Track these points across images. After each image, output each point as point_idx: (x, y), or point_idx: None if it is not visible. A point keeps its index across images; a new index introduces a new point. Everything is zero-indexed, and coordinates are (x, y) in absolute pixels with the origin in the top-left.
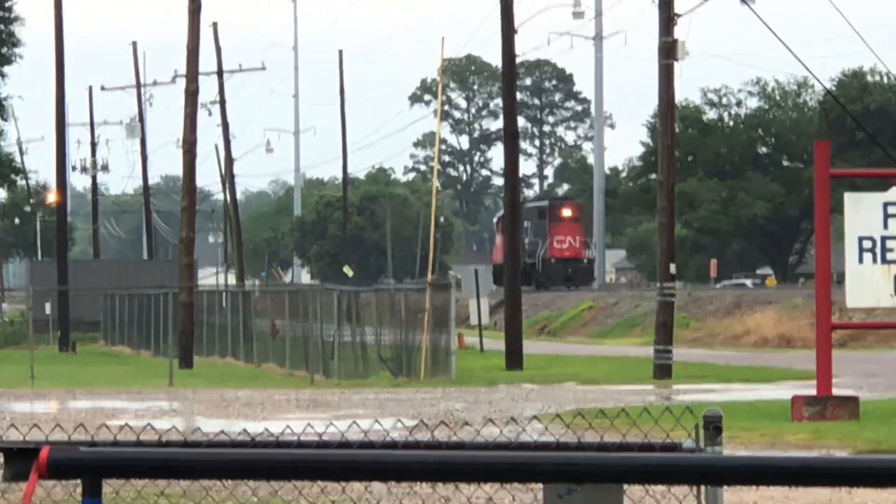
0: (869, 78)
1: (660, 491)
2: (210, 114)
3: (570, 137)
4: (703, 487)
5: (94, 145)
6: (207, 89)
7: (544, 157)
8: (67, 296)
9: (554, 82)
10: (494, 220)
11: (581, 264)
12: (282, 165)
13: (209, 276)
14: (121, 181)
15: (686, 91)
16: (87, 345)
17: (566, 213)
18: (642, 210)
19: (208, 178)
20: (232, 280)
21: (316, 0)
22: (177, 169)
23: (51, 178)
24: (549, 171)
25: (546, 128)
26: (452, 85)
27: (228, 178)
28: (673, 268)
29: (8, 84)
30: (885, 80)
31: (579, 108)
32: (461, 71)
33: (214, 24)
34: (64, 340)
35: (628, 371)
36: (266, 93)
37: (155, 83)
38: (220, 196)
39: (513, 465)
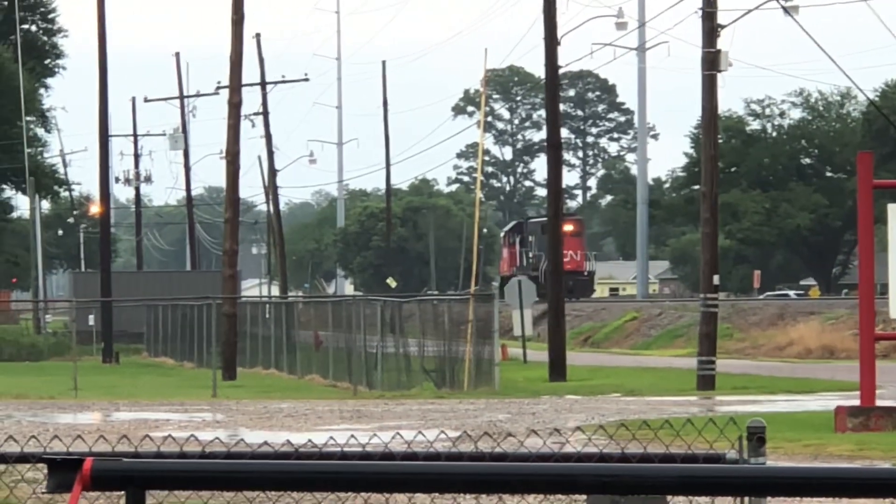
0: None
1: (703, 502)
2: (253, 125)
3: (613, 148)
4: (746, 499)
5: (137, 156)
6: (251, 100)
7: (587, 168)
8: (111, 307)
9: (597, 93)
10: (501, 234)
11: (581, 276)
12: (325, 176)
13: (252, 288)
14: (164, 192)
15: (729, 102)
16: (130, 356)
17: (567, 228)
18: (685, 221)
19: (251, 189)
20: (275, 291)
21: (359, 11)
22: (220, 180)
23: (94, 189)
24: (592, 182)
25: (589, 139)
26: (496, 96)
27: (272, 190)
28: (716, 279)
29: (51, 96)
30: None
31: (622, 118)
32: (504, 82)
33: (257, 36)
34: (107, 352)
35: (672, 382)
36: (309, 104)
37: (198, 94)
38: (264, 207)
39: (556, 476)
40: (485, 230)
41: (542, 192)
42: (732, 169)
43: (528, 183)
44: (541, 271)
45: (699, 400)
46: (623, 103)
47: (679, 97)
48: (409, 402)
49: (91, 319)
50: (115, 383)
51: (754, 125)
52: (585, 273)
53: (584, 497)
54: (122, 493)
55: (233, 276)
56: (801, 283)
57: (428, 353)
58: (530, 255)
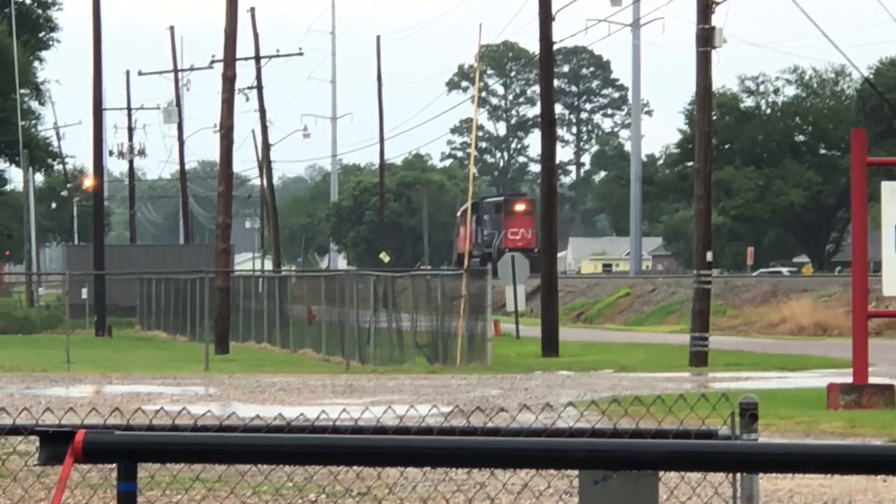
0: None
1: (695, 478)
2: (247, 99)
3: (607, 125)
4: (738, 475)
5: (130, 130)
6: (245, 75)
7: (581, 144)
8: (104, 280)
9: (591, 69)
10: (458, 213)
11: (532, 254)
12: (319, 151)
13: (246, 262)
14: (157, 166)
15: (723, 79)
16: (123, 329)
17: (519, 207)
18: (679, 197)
19: (245, 163)
20: (268, 265)
21: None
22: (214, 154)
23: (88, 162)
24: (585, 159)
25: (583, 115)
26: (490, 71)
27: (265, 164)
28: (710, 255)
29: (45, 69)
30: None
31: (616, 95)
32: (499, 57)
33: (252, 10)
34: (100, 325)
35: (664, 358)
36: (303, 78)
37: (192, 68)
38: (257, 181)
39: (548, 451)
40: None
41: (535, 167)
42: (726, 146)
43: (521, 158)
44: (494, 248)
45: (692, 376)
46: (617, 79)
47: (673, 74)
48: (401, 376)
49: (84, 293)
50: (107, 357)
51: (748, 102)
52: (536, 250)
53: (576, 472)
54: (114, 465)
55: (226, 250)
56: (795, 260)
57: (421, 328)
58: (485, 232)
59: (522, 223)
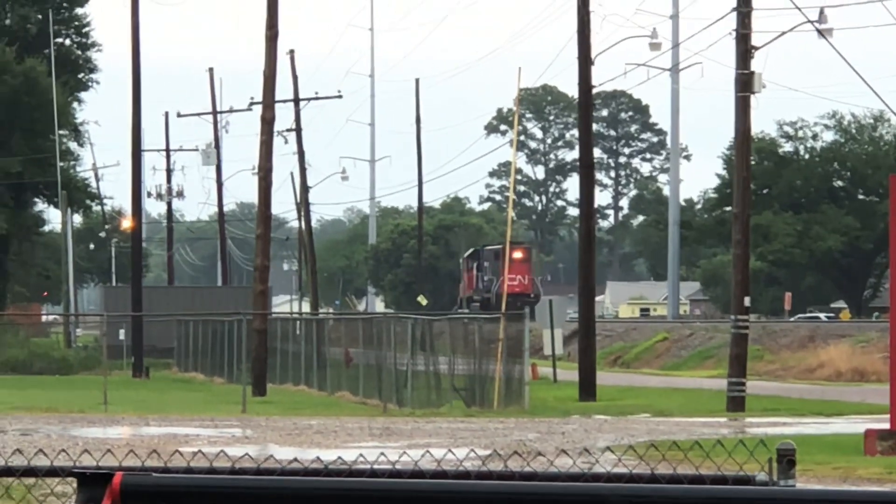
0: None
1: None
2: (286, 141)
3: (645, 169)
4: None
5: (169, 171)
6: (284, 117)
7: (619, 188)
8: (141, 322)
9: (630, 113)
10: (461, 260)
11: (528, 299)
12: (357, 193)
13: (283, 304)
14: (196, 207)
15: (762, 124)
16: (160, 371)
17: (517, 255)
18: (717, 242)
19: (283, 205)
20: (306, 308)
21: (393, 29)
22: (252, 196)
23: (126, 203)
24: (624, 202)
25: (622, 159)
26: (528, 115)
27: (304, 206)
28: (747, 300)
29: (85, 110)
30: None
31: (655, 139)
32: (537, 101)
33: (291, 52)
34: (137, 366)
35: (701, 403)
36: (342, 121)
37: (231, 110)
38: (295, 223)
39: (586, 496)
40: None
41: (573, 211)
42: (764, 190)
43: (559, 202)
44: (492, 293)
45: (729, 421)
46: (656, 124)
47: (712, 118)
48: (438, 420)
49: (122, 334)
50: (145, 398)
51: (787, 147)
52: (532, 295)
53: None
54: None
55: (264, 292)
56: (832, 305)
57: (458, 371)
58: (485, 278)
59: (520, 270)
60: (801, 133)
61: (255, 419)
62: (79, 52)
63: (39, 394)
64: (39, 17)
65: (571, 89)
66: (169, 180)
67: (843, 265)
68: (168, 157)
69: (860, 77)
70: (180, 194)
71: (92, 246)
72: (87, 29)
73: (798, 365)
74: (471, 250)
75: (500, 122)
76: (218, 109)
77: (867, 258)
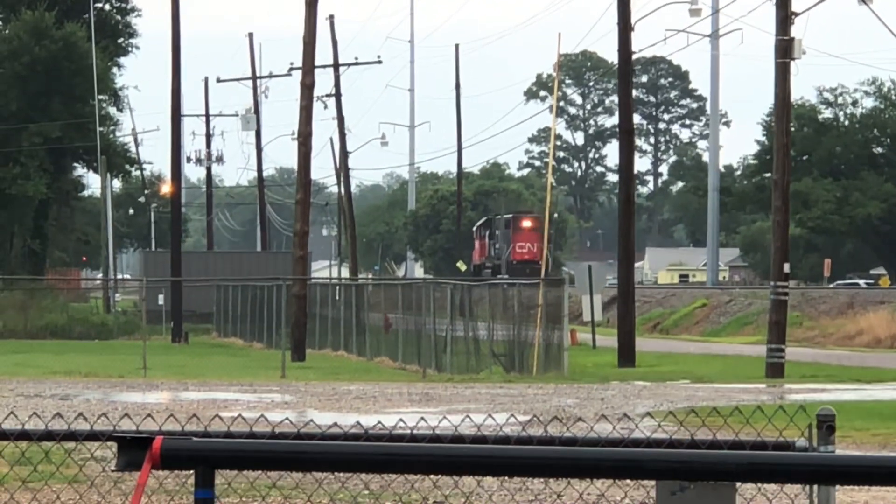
0: None
1: (772, 489)
2: (325, 107)
3: (685, 135)
4: (815, 487)
5: (209, 136)
6: (323, 82)
7: (659, 154)
8: (181, 287)
9: (670, 79)
10: (474, 228)
11: (537, 265)
12: (396, 159)
13: (322, 269)
14: (235, 173)
15: (801, 90)
16: (199, 336)
17: (526, 224)
18: (756, 208)
19: (323, 170)
20: (345, 273)
21: None
22: (291, 161)
23: (165, 169)
24: (663, 169)
25: (661, 125)
26: (568, 81)
27: (343, 171)
28: (787, 267)
29: (124, 75)
30: None
31: (695, 105)
32: (577, 67)
33: (331, 17)
34: (176, 331)
35: (740, 369)
36: (382, 86)
37: (271, 75)
38: (335, 189)
39: (625, 461)
40: (556, 215)
41: (613, 177)
42: (804, 157)
43: (599, 168)
44: (503, 260)
45: (768, 387)
46: (695, 90)
47: (751, 84)
48: (477, 385)
49: (161, 299)
50: (184, 363)
51: (826, 113)
52: (539, 262)
53: (653, 482)
54: (192, 471)
55: (303, 258)
56: (872, 272)
57: (497, 337)
58: (497, 245)
59: (529, 238)
60: (840, 99)
61: (295, 384)
62: (118, 17)
63: (79, 359)
64: None
65: (611, 55)
66: (208, 145)
67: (882, 232)
68: (207, 122)
69: None
70: (220, 159)
71: (131, 211)
72: None
73: (837, 331)
74: (483, 219)
75: (539, 87)
76: (257, 75)
77: None
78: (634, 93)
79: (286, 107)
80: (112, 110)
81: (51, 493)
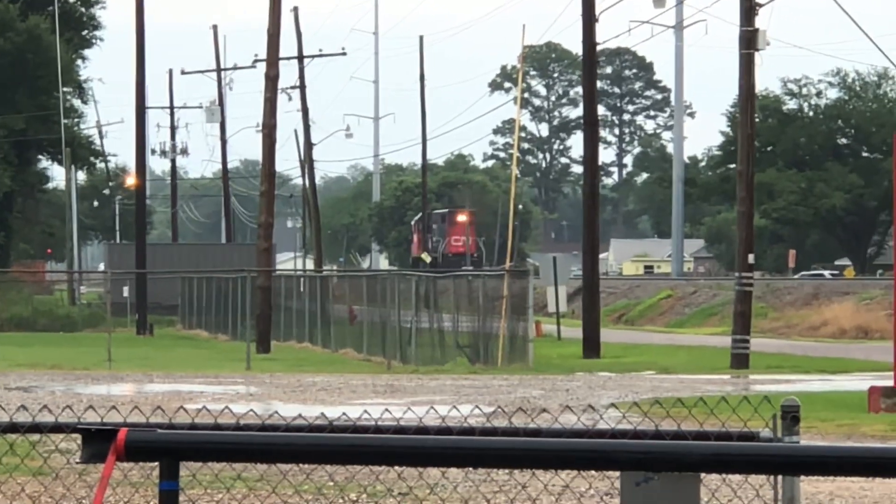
0: None
1: (736, 480)
2: (290, 98)
3: (649, 126)
4: (780, 477)
5: (173, 129)
6: (288, 74)
7: (624, 145)
8: (145, 279)
9: (634, 71)
10: (412, 222)
11: (472, 258)
12: (361, 151)
13: (287, 261)
14: (200, 165)
15: (766, 81)
16: (164, 328)
17: (460, 218)
18: (721, 199)
19: (287, 162)
20: (310, 265)
21: None
22: (256, 153)
23: (130, 161)
24: (628, 160)
25: (626, 116)
26: (533, 72)
27: (308, 163)
28: (751, 258)
29: (89, 67)
30: None
31: (659, 96)
32: (541, 58)
33: (295, 9)
34: (141, 323)
35: (705, 360)
36: (346, 78)
37: (235, 67)
38: (299, 181)
39: (590, 452)
40: (520, 206)
41: (577, 168)
42: (769, 148)
43: (563, 160)
44: (439, 253)
45: (733, 378)
46: (660, 81)
47: (716, 76)
48: (442, 377)
49: (125, 291)
50: (148, 355)
51: (791, 104)
52: (474, 255)
53: (618, 473)
54: (156, 463)
55: (268, 250)
56: (836, 262)
57: (462, 328)
58: (433, 239)
59: (463, 231)
60: (805, 90)
61: (260, 376)
62: (82, 10)
63: (43, 351)
64: None
65: (576, 47)
66: (173, 137)
67: (847, 223)
68: (172, 114)
69: (865, 34)
70: (184, 151)
71: (96, 203)
72: None
73: (802, 322)
74: (420, 214)
75: (504, 79)
76: (222, 67)
77: (871, 215)
78: (599, 84)
79: (251, 99)
80: (76, 102)
81: (15, 485)
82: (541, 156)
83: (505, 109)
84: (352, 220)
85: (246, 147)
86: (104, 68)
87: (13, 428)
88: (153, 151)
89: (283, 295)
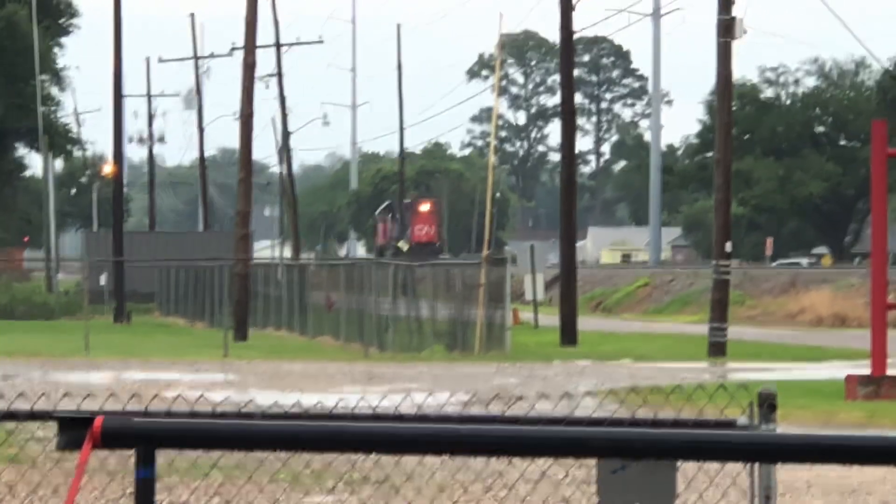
0: None
1: (713, 468)
2: (267, 87)
3: (627, 114)
4: (756, 465)
5: (150, 117)
6: (265, 62)
7: (601, 133)
8: (123, 267)
9: (612, 59)
10: (377, 212)
11: (434, 247)
12: (338, 139)
13: (265, 249)
14: (177, 153)
15: (743, 69)
16: (141, 316)
17: (424, 207)
18: (699, 187)
19: (265, 150)
20: (287, 253)
21: None
22: (233, 141)
23: (107, 149)
24: (605, 148)
25: (603, 104)
26: (510, 60)
27: (285, 151)
28: (729, 246)
29: (65, 55)
30: None
31: (636, 85)
32: (519, 46)
33: None
34: (119, 311)
35: (683, 348)
36: (323, 66)
37: (212, 55)
38: (277, 169)
39: (566, 440)
40: (498, 195)
41: (555, 156)
42: (746, 136)
43: (541, 148)
44: (404, 241)
45: (710, 366)
46: (637, 69)
47: (694, 64)
48: (420, 364)
49: (103, 279)
50: (126, 343)
51: (768, 93)
52: (437, 243)
53: (595, 461)
54: (133, 451)
55: (245, 237)
56: (814, 251)
57: (439, 316)
58: (397, 228)
59: (427, 220)
60: (782, 79)
61: (237, 363)
62: None
63: (21, 339)
64: None
65: (553, 35)
66: (150, 125)
67: (824, 211)
68: (149, 102)
69: (842, 22)
70: (161, 139)
71: (73, 191)
72: None
73: (779, 310)
74: (386, 203)
75: (481, 67)
76: (199, 55)
77: (849, 204)
78: (576, 72)
79: (228, 87)
80: (54, 90)
81: None
82: (518, 144)
83: (482, 97)
84: (329, 208)
85: (223, 135)
86: (81, 55)
87: None
88: (130, 139)
89: (260, 282)
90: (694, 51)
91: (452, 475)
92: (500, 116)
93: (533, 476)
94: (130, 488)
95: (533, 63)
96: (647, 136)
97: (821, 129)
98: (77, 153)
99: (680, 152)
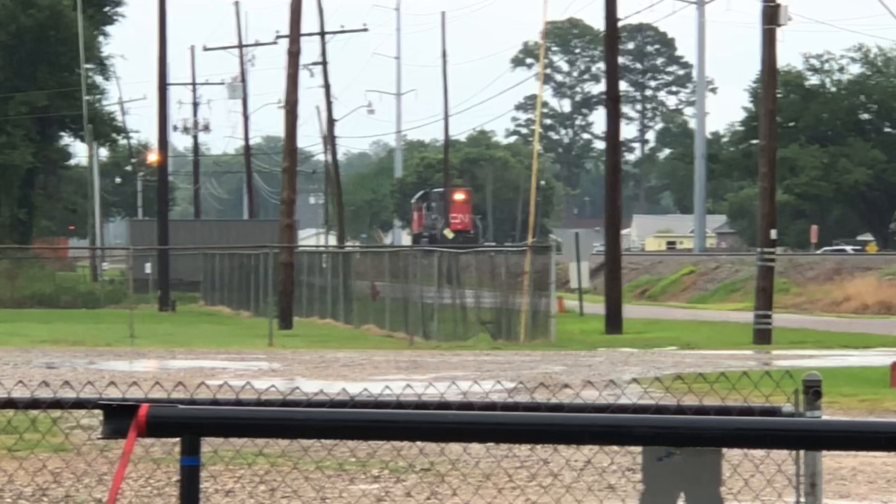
0: None
1: (758, 455)
2: (312, 75)
3: (671, 102)
4: (801, 452)
5: (195, 105)
6: (310, 50)
7: (646, 121)
8: (168, 255)
9: (656, 47)
10: (413, 200)
11: (469, 235)
12: (383, 127)
13: (310, 237)
14: (222, 141)
15: (788, 56)
16: (186, 304)
17: (459, 196)
18: (743, 175)
19: (309, 139)
20: (332, 241)
21: None
22: (278, 129)
23: (152, 137)
24: (650, 136)
25: (648, 92)
26: (554, 48)
27: (330, 139)
28: (774, 233)
29: (111, 43)
30: None
31: (681, 72)
32: (563, 34)
33: None
34: (164, 300)
35: (728, 336)
36: (368, 54)
37: (257, 44)
38: (321, 157)
39: (612, 427)
40: (542, 182)
41: (599, 144)
42: (791, 124)
43: (585, 136)
44: (438, 230)
45: (755, 354)
46: (682, 57)
47: (738, 51)
48: (464, 353)
49: (148, 267)
50: (171, 331)
51: (813, 80)
52: (472, 232)
53: (640, 449)
54: (178, 439)
55: (290, 226)
56: (859, 238)
57: (484, 304)
58: (433, 216)
59: (462, 209)
60: (827, 66)
61: (282, 352)
62: None
63: (66, 327)
64: None
65: (598, 22)
66: (195, 114)
67: (869, 198)
68: (194, 90)
69: (887, 9)
70: (206, 128)
71: (118, 180)
72: None
73: (824, 298)
74: (421, 192)
75: (526, 55)
76: (244, 43)
77: (893, 191)
78: (621, 60)
79: (273, 75)
80: (98, 79)
81: (37, 461)
82: (563, 132)
83: (527, 85)
84: (374, 196)
85: (268, 123)
86: (127, 44)
87: (35, 404)
88: (175, 128)
89: (305, 271)
90: (739, 38)
91: (497, 462)
92: (544, 104)
93: (578, 464)
94: (175, 476)
95: (577, 51)
96: (692, 124)
97: (865, 116)
98: (122, 142)
99: (725, 140)
